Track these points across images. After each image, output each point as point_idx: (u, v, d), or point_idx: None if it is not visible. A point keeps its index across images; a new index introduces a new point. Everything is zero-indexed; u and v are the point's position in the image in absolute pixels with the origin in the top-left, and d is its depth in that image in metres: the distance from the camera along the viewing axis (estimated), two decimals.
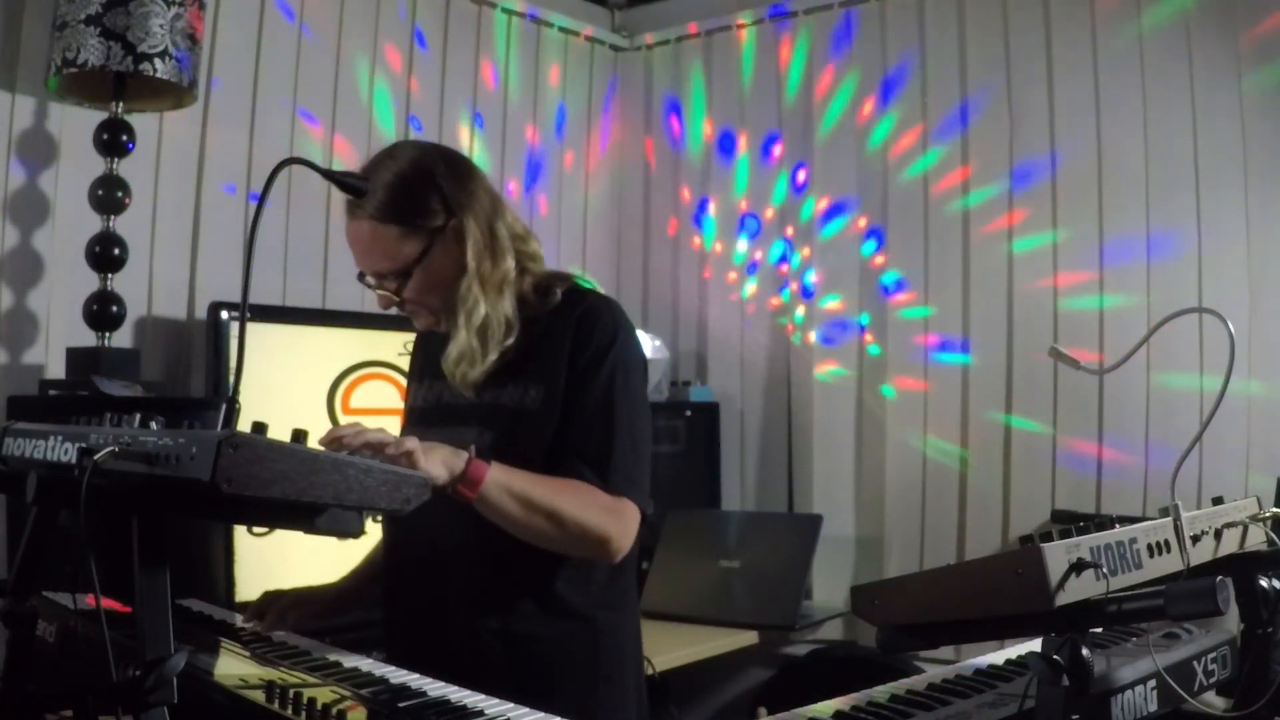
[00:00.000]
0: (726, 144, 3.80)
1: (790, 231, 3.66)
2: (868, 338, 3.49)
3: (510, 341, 1.66)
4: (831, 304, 3.56)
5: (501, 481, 1.50)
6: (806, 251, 3.62)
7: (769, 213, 3.71)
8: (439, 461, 1.44)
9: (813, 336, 3.58)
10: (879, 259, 3.48)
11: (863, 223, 3.52)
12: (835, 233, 3.57)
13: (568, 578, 1.66)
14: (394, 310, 1.73)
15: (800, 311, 3.63)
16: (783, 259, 3.68)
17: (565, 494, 1.57)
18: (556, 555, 1.63)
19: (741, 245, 3.76)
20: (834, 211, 3.57)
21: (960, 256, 3.32)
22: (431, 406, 1.77)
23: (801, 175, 3.64)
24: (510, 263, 1.69)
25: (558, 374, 1.64)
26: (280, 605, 1.73)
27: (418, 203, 1.64)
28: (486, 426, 1.66)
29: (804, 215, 3.63)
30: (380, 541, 1.89)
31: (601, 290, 1.77)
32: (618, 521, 1.60)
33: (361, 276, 1.72)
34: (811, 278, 3.60)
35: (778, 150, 3.69)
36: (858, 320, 3.51)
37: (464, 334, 1.65)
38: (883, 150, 3.48)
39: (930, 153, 3.39)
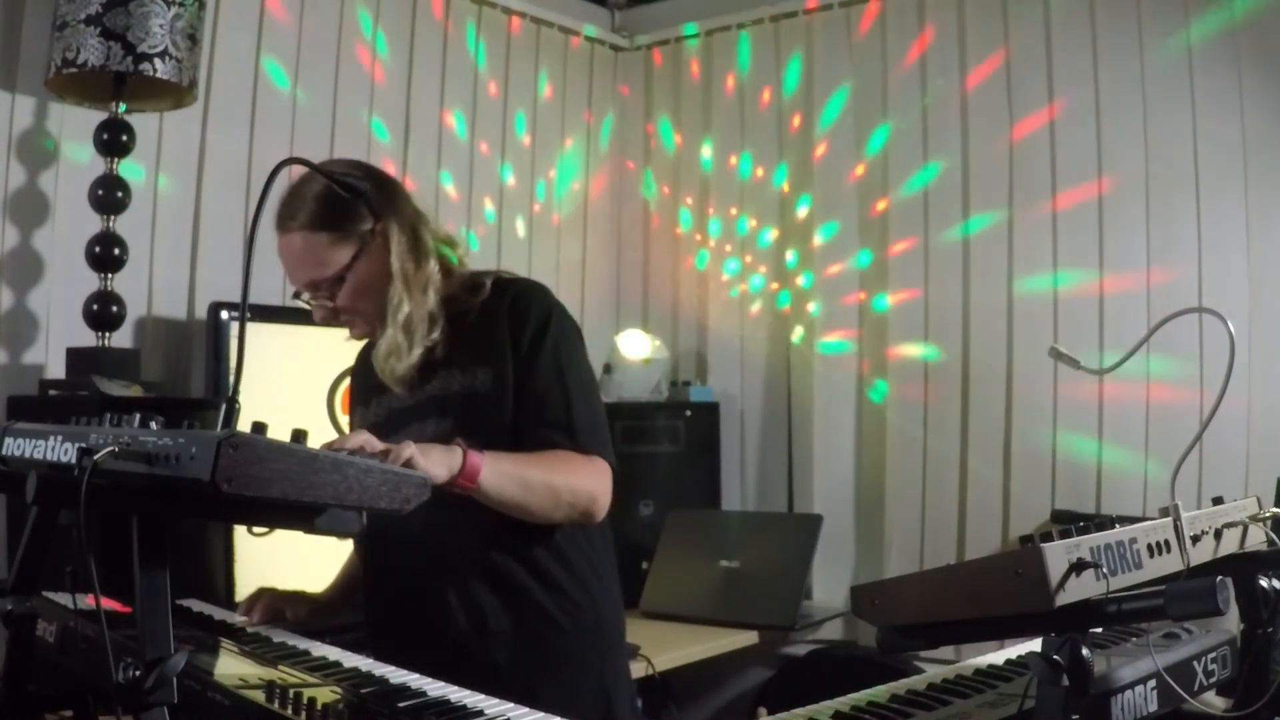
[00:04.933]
0: (726, 143, 3.80)
1: (790, 230, 3.66)
2: (868, 334, 3.49)
3: (436, 336, 1.73)
4: (831, 302, 3.56)
5: (496, 468, 1.56)
6: (806, 249, 3.62)
7: (769, 212, 3.71)
8: (438, 462, 1.48)
9: (813, 335, 3.58)
10: (878, 256, 3.48)
11: (864, 218, 3.52)
12: (835, 231, 3.56)
13: (559, 553, 1.72)
14: (330, 324, 1.78)
15: (800, 310, 3.63)
16: (782, 257, 3.68)
17: (550, 464, 1.65)
18: (542, 532, 1.68)
19: (741, 245, 3.76)
20: (834, 210, 3.57)
21: (961, 254, 3.32)
22: (384, 420, 1.81)
23: (802, 172, 3.64)
24: (433, 265, 1.76)
25: (503, 356, 1.71)
26: (270, 598, 1.78)
27: (346, 209, 1.70)
28: (443, 415, 1.72)
29: (804, 215, 3.63)
30: (354, 551, 1.91)
31: (528, 277, 1.86)
32: (601, 479, 1.69)
33: (298, 295, 1.78)
34: (811, 275, 3.60)
35: (777, 149, 3.69)
36: (857, 316, 3.51)
37: (390, 330, 1.71)
38: (883, 148, 3.48)
39: (930, 151, 3.39)
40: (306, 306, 1.78)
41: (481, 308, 1.75)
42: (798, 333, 3.62)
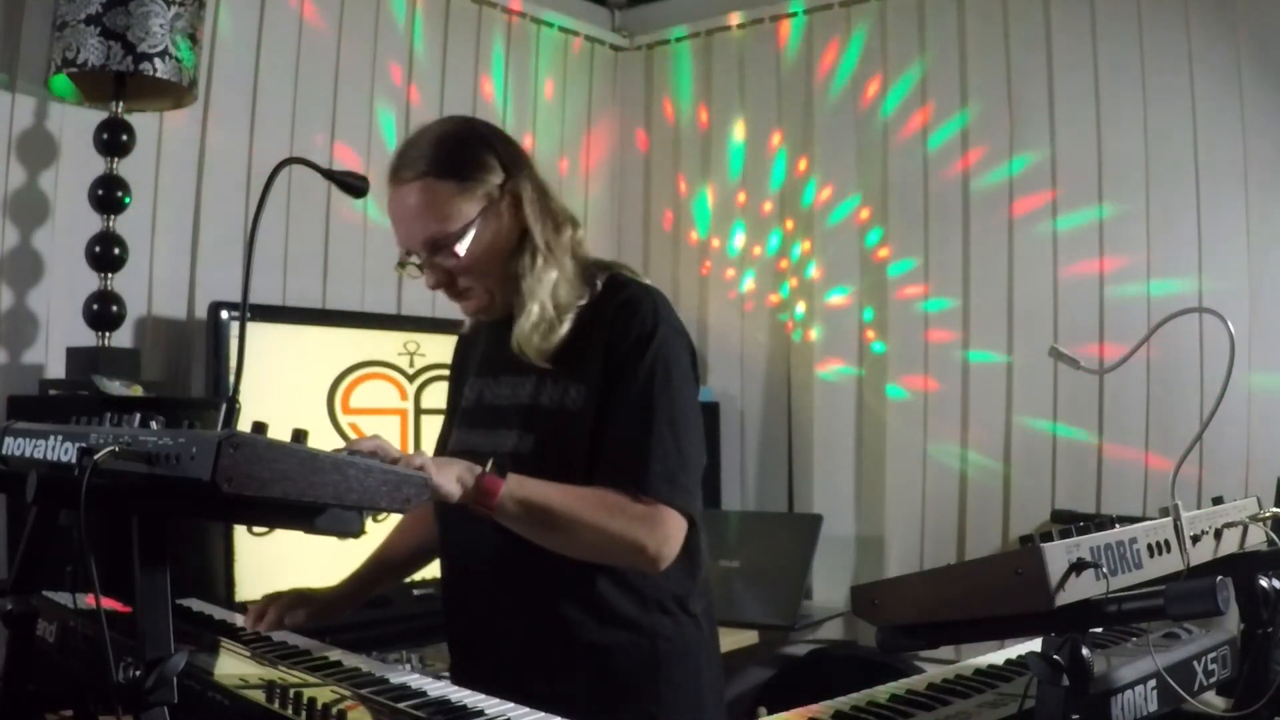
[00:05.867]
0: (726, 143, 3.80)
1: (791, 230, 3.66)
2: (870, 334, 3.49)
3: (584, 303, 1.59)
4: (833, 301, 3.56)
5: (518, 495, 1.46)
6: (807, 248, 3.62)
7: (769, 213, 3.71)
8: (453, 478, 1.42)
9: (814, 334, 3.58)
10: (882, 252, 3.48)
11: (865, 215, 3.52)
12: (836, 231, 3.56)
13: (626, 585, 1.61)
14: (444, 289, 1.63)
15: (801, 310, 3.63)
16: (783, 258, 3.68)
17: (590, 503, 1.51)
18: (602, 572, 1.59)
19: (741, 245, 3.76)
20: (834, 210, 3.57)
21: (960, 254, 3.32)
22: (472, 408, 1.72)
23: (801, 169, 3.64)
24: (570, 232, 1.63)
25: (596, 373, 1.57)
26: (280, 605, 1.71)
27: (473, 156, 1.58)
28: (526, 429, 1.61)
29: (804, 216, 3.63)
30: (381, 547, 1.89)
31: (645, 280, 1.67)
32: (651, 529, 1.52)
33: (402, 263, 1.63)
34: (813, 274, 3.60)
35: (777, 148, 3.69)
36: (860, 317, 3.51)
37: (536, 303, 1.56)
38: (882, 149, 3.48)
39: (929, 148, 3.39)
40: (413, 275, 1.61)
41: (589, 309, 1.60)
42: (798, 330, 3.63)
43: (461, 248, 1.56)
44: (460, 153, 1.57)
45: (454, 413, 1.82)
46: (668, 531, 1.53)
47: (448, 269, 1.60)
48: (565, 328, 1.57)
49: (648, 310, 1.58)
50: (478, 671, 1.48)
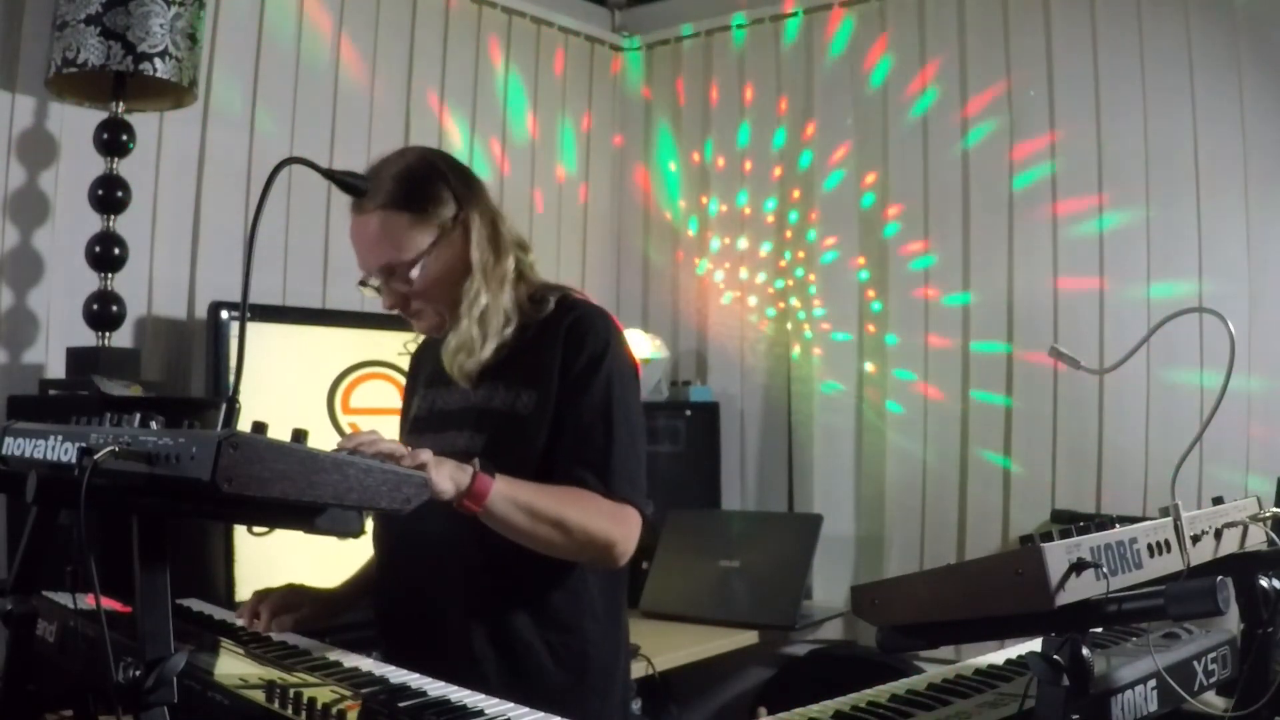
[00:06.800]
0: (726, 143, 3.80)
1: (790, 231, 3.66)
2: (869, 329, 3.49)
3: (509, 332, 1.70)
4: (832, 304, 3.56)
5: (506, 494, 1.51)
6: (806, 249, 3.62)
7: (769, 212, 3.71)
8: (447, 476, 1.45)
9: (812, 338, 3.58)
10: (880, 257, 3.48)
11: (867, 215, 3.52)
12: (839, 232, 3.56)
13: (562, 588, 1.67)
14: (397, 311, 1.74)
15: (800, 311, 3.63)
16: (783, 257, 3.68)
17: (569, 501, 1.58)
18: (550, 565, 1.63)
19: (742, 244, 3.76)
20: (837, 208, 3.57)
21: (960, 253, 3.32)
22: (424, 415, 1.79)
23: (803, 171, 3.64)
24: (511, 261, 1.73)
25: (550, 381, 1.66)
26: (272, 603, 1.73)
27: (428, 192, 1.68)
28: (478, 430, 1.68)
29: (804, 214, 3.63)
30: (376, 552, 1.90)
31: (594, 301, 1.80)
32: (621, 526, 1.62)
33: (363, 282, 1.74)
34: (812, 276, 3.60)
35: (778, 148, 3.69)
36: (857, 317, 3.51)
37: (464, 323, 1.68)
38: (884, 149, 3.47)
39: (930, 159, 3.39)
40: (373, 293, 1.74)
41: (541, 325, 1.71)
42: (797, 325, 3.63)
43: (414, 274, 1.68)
44: (417, 187, 1.68)
45: (406, 420, 1.89)
46: (632, 529, 1.64)
47: (402, 293, 1.71)
48: (488, 350, 1.68)
49: (601, 329, 1.70)
50: (411, 665, 1.49)
